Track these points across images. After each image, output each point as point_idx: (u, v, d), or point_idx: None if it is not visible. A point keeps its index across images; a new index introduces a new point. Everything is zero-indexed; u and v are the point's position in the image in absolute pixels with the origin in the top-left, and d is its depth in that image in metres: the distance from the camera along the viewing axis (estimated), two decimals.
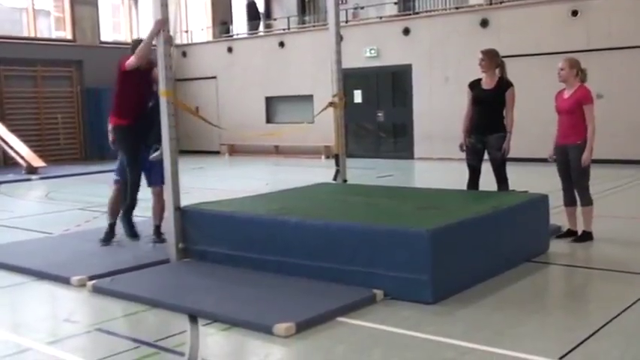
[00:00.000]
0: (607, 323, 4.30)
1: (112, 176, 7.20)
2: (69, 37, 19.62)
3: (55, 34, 20.38)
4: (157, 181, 6.86)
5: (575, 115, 6.58)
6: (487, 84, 7.17)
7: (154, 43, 6.26)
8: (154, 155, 6.69)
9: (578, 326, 4.35)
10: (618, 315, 4.45)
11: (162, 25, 6.14)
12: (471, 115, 7.23)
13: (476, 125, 7.17)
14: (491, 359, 3.80)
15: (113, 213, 7.05)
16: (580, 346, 3.91)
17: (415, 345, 4.08)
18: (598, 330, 4.18)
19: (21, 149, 16.13)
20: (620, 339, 4.07)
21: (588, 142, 6.50)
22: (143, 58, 6.46)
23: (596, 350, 3.90)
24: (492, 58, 7.15)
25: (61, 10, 19.86)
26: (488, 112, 7.08)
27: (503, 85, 7.10)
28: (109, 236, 6.98)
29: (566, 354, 3.78)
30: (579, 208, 6.77)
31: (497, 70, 7.16)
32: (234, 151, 20.33)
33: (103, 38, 20.51)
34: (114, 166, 7.20)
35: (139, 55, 6.42)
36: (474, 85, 7.26)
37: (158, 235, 6.96)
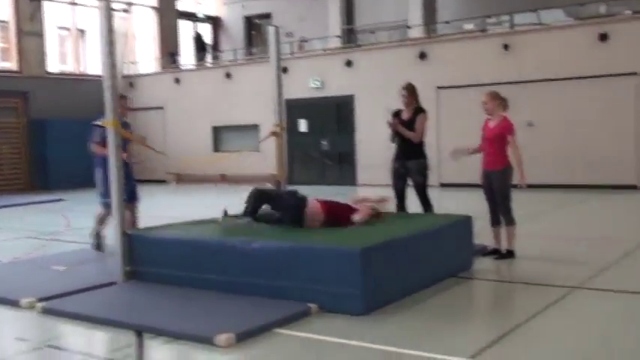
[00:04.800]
0: (517, 327, 4.80)
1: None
2: (15, 68, 19.67)
3: (1, 65, 20.40)
4: (137, 196, 8.34)
5: (498, 143, 7.16)
6: (406, 115, 7.86)
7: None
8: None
9: (491, 330, 4.84)
10: (528, 320, 4.96)
11: None
12: (396, 143, 7.85)
13: (398, 152, 7.78)
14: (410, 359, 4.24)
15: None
16: (491, 347, 4.38)
17: (344, 350, 4.49)
18: (508, 333, 4.68)
19: None
20: (526, 339, 4.59)
21: (518, 165, 7.10)
22: None
23: (504, 349, 4.39)
24: (413, 93, 7.85)
25: (7, 41, 19.93)
26: (407, 140, 7.67)
27: (417, 112, 7.74)
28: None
29: (477, 353, 4.25)
30: (504, 228, 7.31)
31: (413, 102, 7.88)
32: (180, 179, 20.57)
33: (50, 69, 20.62)
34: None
35: None
36: (396, 115, 7.92)
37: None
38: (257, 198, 6.57)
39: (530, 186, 13.15)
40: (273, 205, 6.59)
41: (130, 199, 7.91)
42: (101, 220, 8.15)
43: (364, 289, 5.21)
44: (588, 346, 4.46)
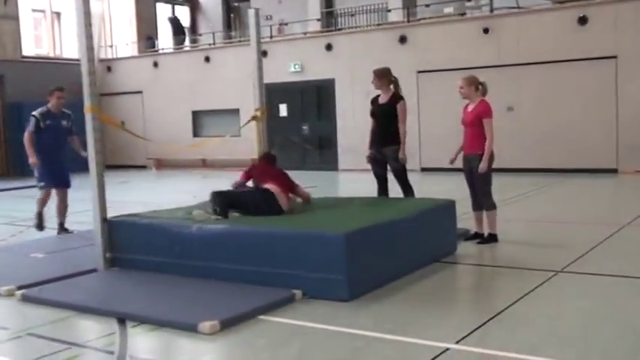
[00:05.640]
0: (501, 312, 4.80)
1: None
2: None
3: None
4: (67, 183, 8.54)
5: (476, 127, 7.13)
6: (382, 99, 7.75)
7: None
8: None
9: (476, 315, 4.84)
10: (511, 305, 4.96)
11: None
12: (371, 128, 7.79)
13: (375, 137, 7.72)
14: (394, 346, 4.24)
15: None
16: (475, 332, 4.38)
17: (329, 336, 4.47)
18: (492, 317, 4.68)
19: None
20: (511, 324, 4.59)
21: (485, 152, 7.04)
22: None
23: (488, 334, 4.39)
24: (381, 77, 7.70)
25: None
26: (384, 125, 7.63)
27: (396, 99, 7.64)
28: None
29: (461, 339, 4.24)
30: (485, 212, 7.31)
31: (391, 86, 7.73)
32: (161, 165, 20.40)
33: (25, 52, 20.26)
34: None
35: None
36: (374, 101, 7.82)
37: (64, 230, 8.49)
38: (224, 199, 6.46)
39: (514, 170, 13.41)
40: (240, 206, 6.50)
41: (62, 185, 8.55)
42: (42, 203, 8.49)
43: (348, 274, 5.18)
44: (572, 329, 4.47)
